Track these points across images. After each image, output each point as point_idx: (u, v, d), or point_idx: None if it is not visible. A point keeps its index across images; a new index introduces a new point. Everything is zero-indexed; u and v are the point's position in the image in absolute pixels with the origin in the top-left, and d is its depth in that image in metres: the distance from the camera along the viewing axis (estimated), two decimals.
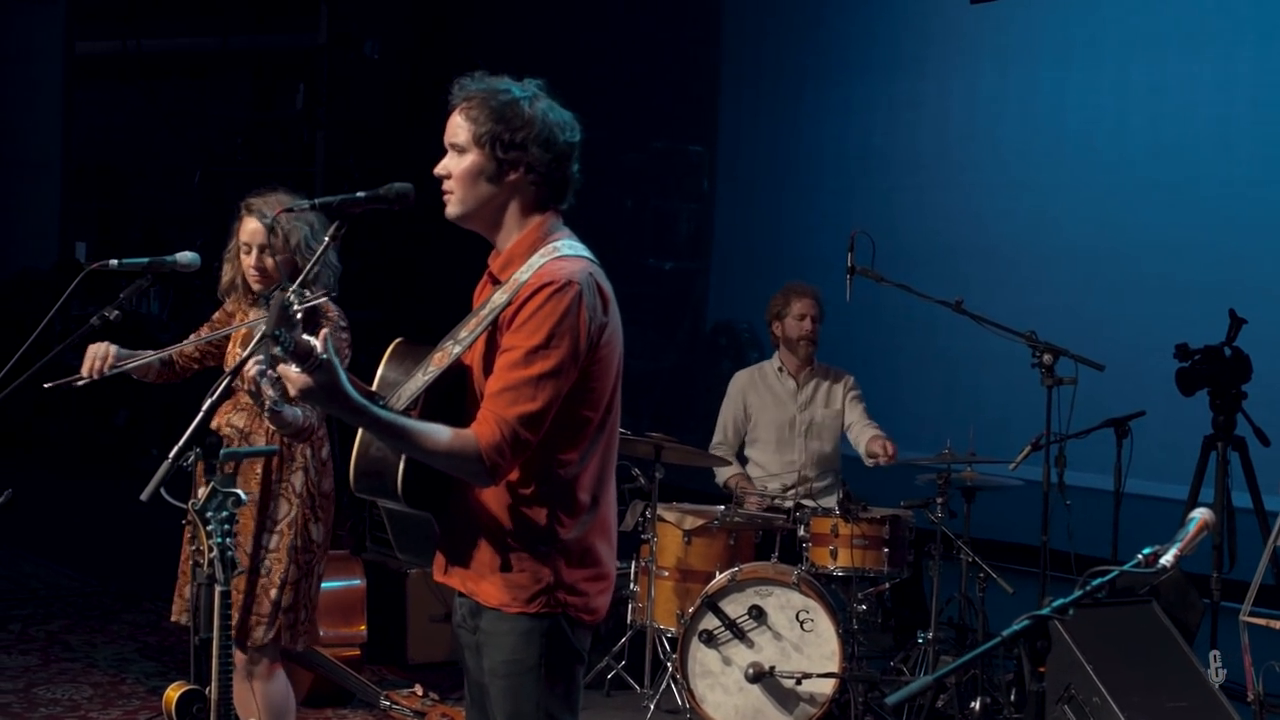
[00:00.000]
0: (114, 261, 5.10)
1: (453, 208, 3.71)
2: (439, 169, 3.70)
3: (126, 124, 18.83)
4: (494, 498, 3.65)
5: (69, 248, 17.36)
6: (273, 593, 5.32)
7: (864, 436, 7.74)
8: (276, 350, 3.27)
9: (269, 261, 5.37)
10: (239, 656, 5.31)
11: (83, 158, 18.44)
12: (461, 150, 3.67)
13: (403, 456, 3.57)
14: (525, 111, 3.65)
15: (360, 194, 3.66)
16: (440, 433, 3.49)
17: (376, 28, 14.91)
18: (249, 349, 3.47)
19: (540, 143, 3.66)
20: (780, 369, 7.96)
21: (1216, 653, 5.96)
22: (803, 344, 7.86)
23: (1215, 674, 5.89)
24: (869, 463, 7.61)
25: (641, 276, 13.40)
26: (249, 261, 5.40)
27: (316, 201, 3.74)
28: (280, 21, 17.22)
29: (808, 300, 7.86)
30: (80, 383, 5.12)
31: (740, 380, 8.10)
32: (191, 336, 5.59)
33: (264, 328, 3.27)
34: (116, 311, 4.99)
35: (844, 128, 11.52)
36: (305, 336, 3.29)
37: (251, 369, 4.57)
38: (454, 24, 14.80)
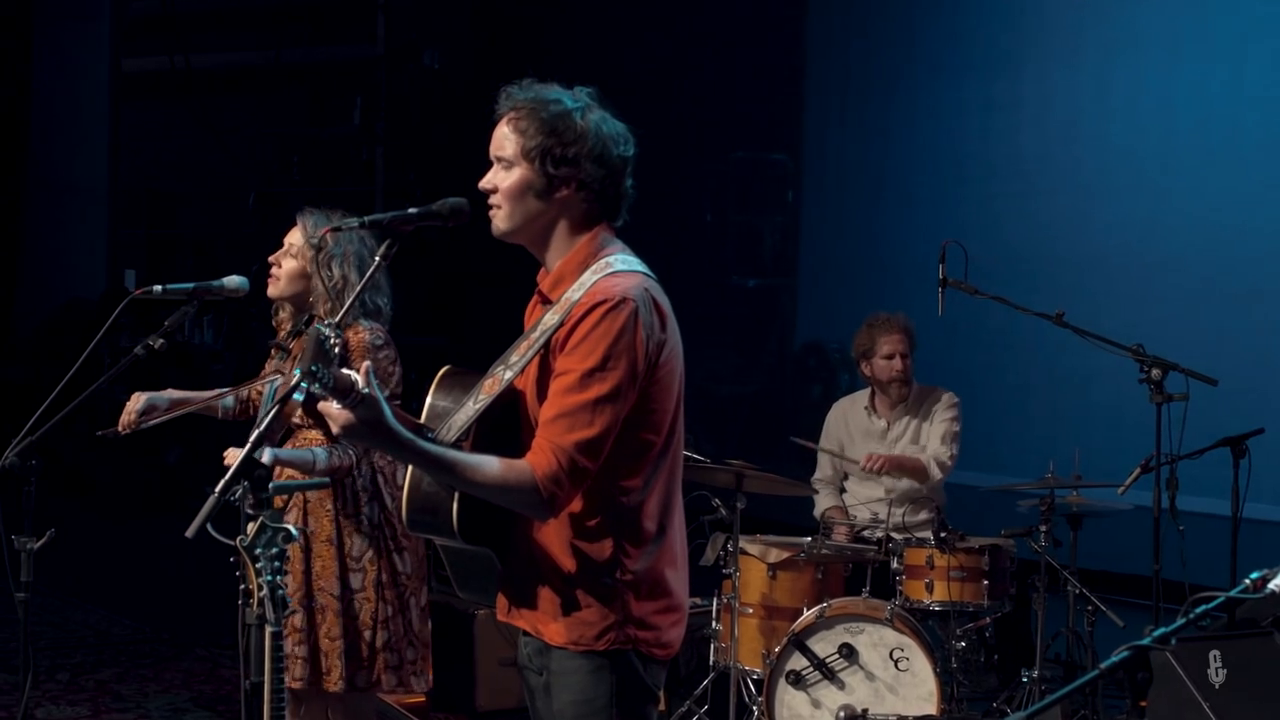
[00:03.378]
0: (158, 288, 5.16)
1: (499, 224, 3.72)
2: (484, 183, 3.72)
3: (176, 145, 19.01)
4: (555, 531, 3.67)
5: (118, 276, 17.52)
6: (367, 634, 5.38)
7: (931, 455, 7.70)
8: (315, 388, 3.31)
9: (288, 265, 5.47)
10: (334, 706, 5.40)
11: (131, 181, 18.64)
12: (509, 164, 3.68)
13: (456, 491, 3.59)
14: (578, 124, 3.65)
15: (412, 210, 3.68)
16: (492, 465, 3.51)
17: (436, 36, 15.02)
18: (283, 388, 3.53)
19: (594, 158, 3.65)
20: (869, 407, 7.91)
21: (1216, 652, 5.94)
22: (894, 385, 7.81)
23: (1216, 674, 5.87)
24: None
25: (724, 295, 13.42)
26: (271, 258, 5.51)
27: (366, 219, 3.75)
28: (335, 33, 17.37)
29: (895, 337, 7.73)
30: (114, 435, 5.29)
31: (835, 412, 8.06)
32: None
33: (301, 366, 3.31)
34: (161, 340, 5.05)
35: (937, 132, 11.51)
36: (345, 371, 3.34)
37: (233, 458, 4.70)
38: (518, 30, 14.86)
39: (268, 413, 3.77)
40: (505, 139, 3.69)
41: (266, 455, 5.01)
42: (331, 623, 5.36)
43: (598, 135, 3.66)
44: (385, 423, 3.40)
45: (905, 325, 7.76)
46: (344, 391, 3.34)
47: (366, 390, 3.35)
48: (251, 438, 3.69)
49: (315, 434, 5.38)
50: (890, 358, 7.72)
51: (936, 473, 7.60)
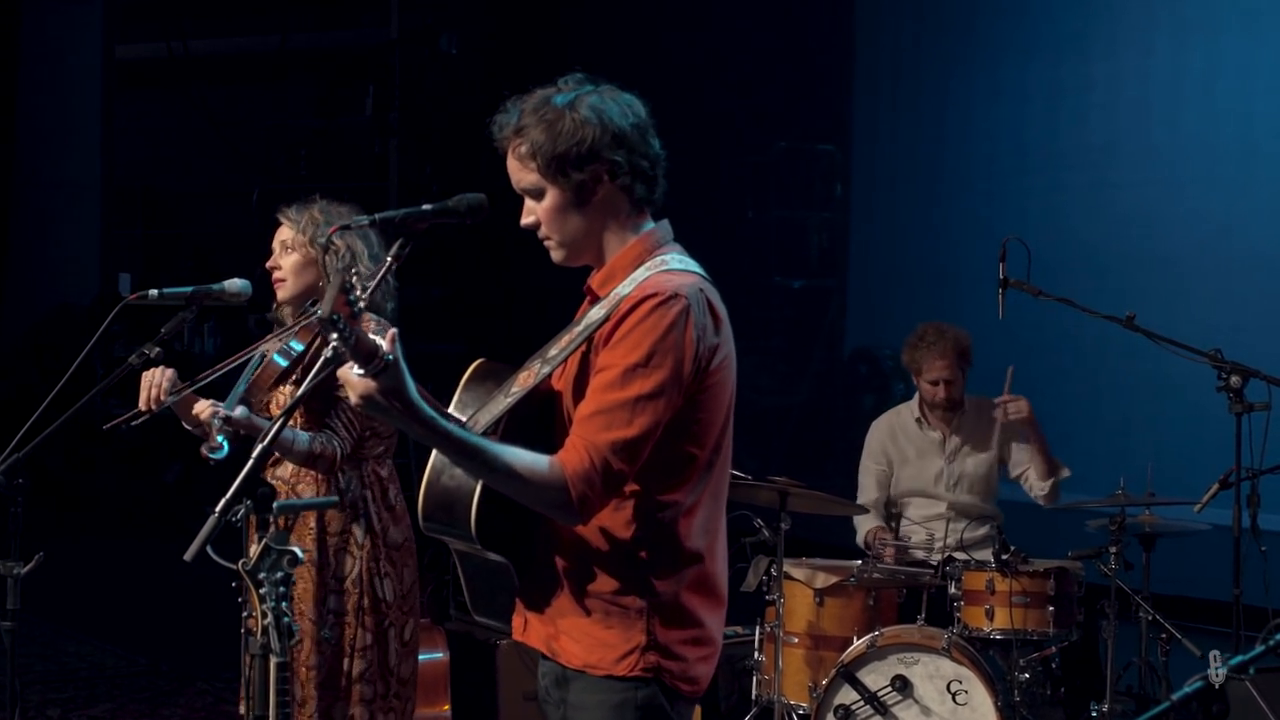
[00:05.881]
0: (154, 292, 5.18)
1: (556, 253, 3.77)
2: (524, 220, 3.76)
3: (174, 138, 19.07)
4: (582, 541, 3.68)
5: (111, 280, 17.58)
6: (345, 662, 5.39)
7: (1034, 471, 7.69)
8: (334, 340, 3.26)
9: (288, 261, 5.46)
10: None
11: (125, 178, 18.71)
12: (537, 194, 3.72)
13: (477, 488, 3.59)
14: (575, 118, 3.66)
15: (427, 207, 3.70)
16: (521, 456, 3.50)
17: (455, 19, 15.02)
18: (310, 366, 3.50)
19: (607, 142, 3.67)
20: (920, 419, 7.91)
21: (1216, 653, 5.93)
22: (939, 412, 7.84)
23: (1216, 674, 5.87)
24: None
25: (767, 297, 13.41)
26: (270, 265, 5.49)
27: (377, 217, 3.76)
28: (345, 16, 17.43)
29: (940, 364, 7.75)
30: (140, 419, 5.19)
31: (878, 429, 8.05)
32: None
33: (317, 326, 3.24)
34: (158, 349, 5.07)
35: (997, 119, 11.49)
36: (369, 334, 3.31)
37: (206, 412, 4.65)
38: (542, 11, 14.87)
39: (280, 421, 3.73)
40: (519, 172, 3.72)
41: (238, 411, 5.02)
42: (309, 650, 5.38)
43: (600, 118, 3.67)
44: (407, 395, 3.38)
45: (956, 346, 7.73)
46: (367, 355, 3.31)
47: (391, 356, 3.33)
48: (254, 454, 3.69)
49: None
50: (935, 384, 7.74)
51: (1056, 490, 7.63)
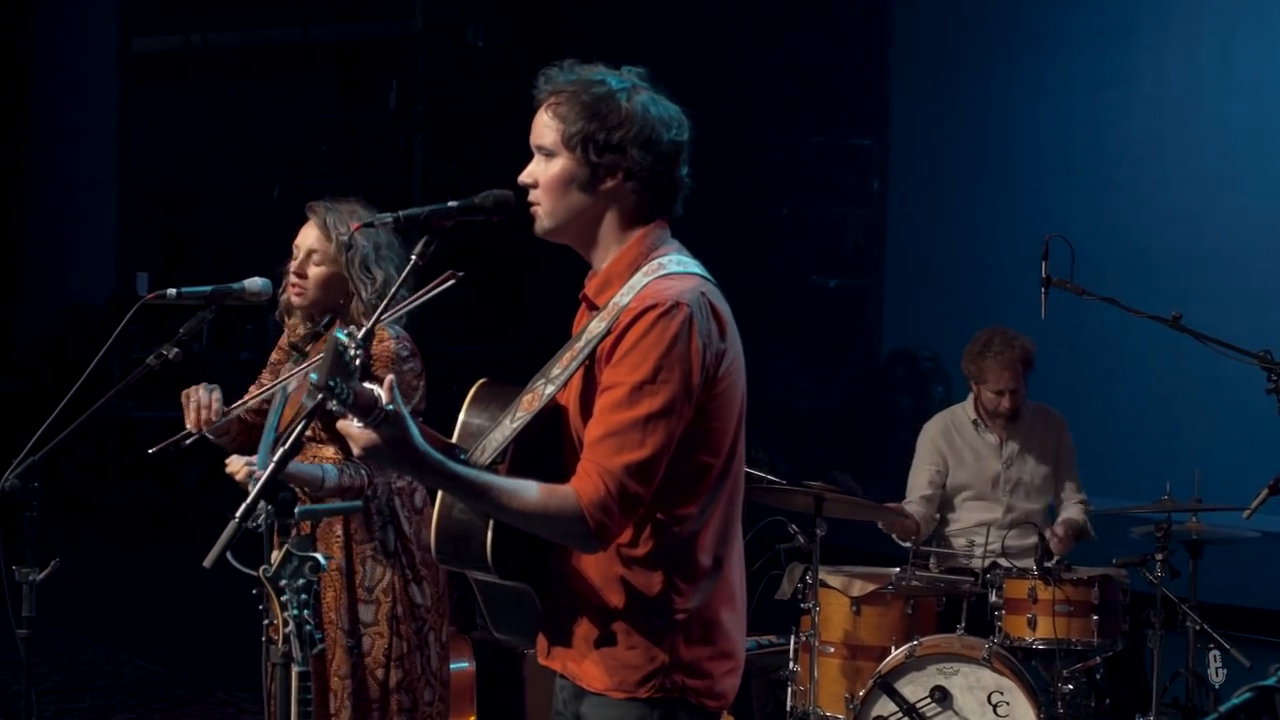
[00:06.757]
0: (172, 291, 5.19)
1: (541, 221, 3.73)
2: (524, 176, 3.73)
3: (192, 133, 19.12)
4: (598, 563, 3.65)
5: (128, 279, 17.62)
6: (379, 673, 5.40)
7: (1065, 506, 7.70)
8: (332, 405, 3.28)
9: (315, 272, 5.44)
10: None
11: (142, 173, 18.76)
12: (549, 154, 3.69)
13: (491, 519, 3.58)
14: (622, 107, 3.64)
15: (452, 203, 3.71)
16: (531, 491, 3.48)
17: (480, 9, 15.05)
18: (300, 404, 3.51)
19: (640, 143, 3.64)
20: (977, 421, 7.88)
21: (1216, 653, 5.92)
22: (999, 419, 7.81)
23: (1216, 674, 5.89)
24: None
25: (802, 297, 13.41)
26: (290, 267, 5.47)
27: (401, 214, 3.76)
28: (368, 7, 17.46)
29: (1006, 374, 7.68)
30: (189, 440, 5.18)
31: (931, 430, 8.01)
32: (252, 389, 5.62)
33: (316, 374, 3.25)
34: (176, 350, 5.08)
35: (1039, 112, 11.49)
36: (367, 385, 3.32)
37: (242, 473, 4.67)
38: (571, 2, 14.87)
39: (291, 430, 3.76)
40: (545, 127, 3.69)
41: (264, 471, 5.02)
42: (340, 659, 5.39)
43: (645, 118, 3.65)
44: (411, 443, 3.39)
45: (1023, 357, 7.67)
46: (365, 408, 3.31)
47: (390, 407, 3.33)
48: (274, 457, 3.70)
49: (329, 451, 5.39)
50: (1000, 394, 7.69)
51: (1088, 524, 7.64)
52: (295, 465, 5.19)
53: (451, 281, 3.67)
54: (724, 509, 3.72)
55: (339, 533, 5.41)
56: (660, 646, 3.64)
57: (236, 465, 5.10)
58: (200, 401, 5.16)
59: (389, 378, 3.39)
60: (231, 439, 5.52)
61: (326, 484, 5.22)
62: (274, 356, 5.75)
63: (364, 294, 5.35)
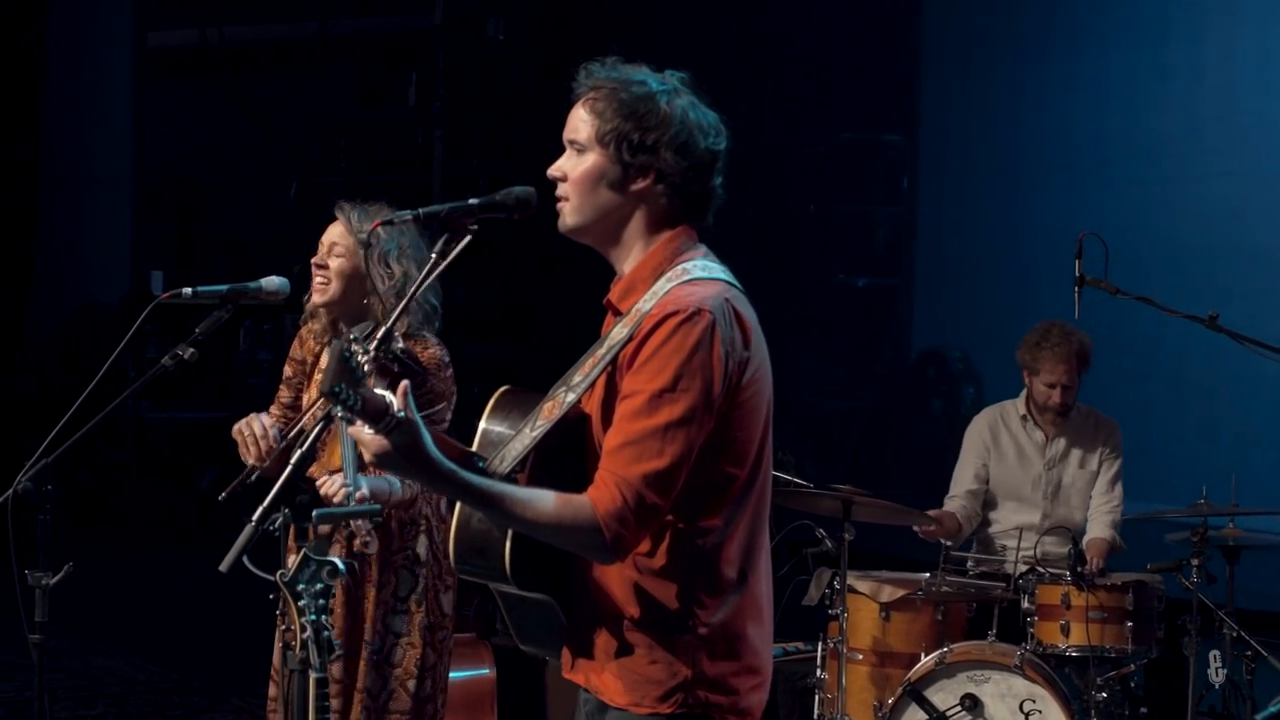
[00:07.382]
0: (187, 290, 5.18)
1: (566, 217, 3.71)
2: (553, 170, 3.71)
3: (208, 129, 19.18)
4: (620, 575, 3.64)
5: (143, 278, 17.65)
6: (411, 684, 5.41)
7: (1092, 522, 7.65)
8: (339, 411, 3.28)
9: (335, 263, 5.44)
10: None
11: (157, 171, 18.80)
12: (581, 149, 3.67)
13: (509, 530, 3.58)
14: (661, 108, 3.63)
15: (473, 201, 3.70)
16: (547, 500, 3.48)
17: (502, 2, 15.05)
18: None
19: (675, 147, 3.63)
20: (1026, 416, 7.84)
21: (1216, 653, 5.92)
22: (1049, 414, 7.77)
23: (1216, 673, 5.89)
24: None
25: (829, 296, 13.40)
26: (315, 260, 5.48)
27: (421, 211, 3.75)
28: (387, 1, 17.47)
29: (1061, 368, 7.62)
30: (255, 475, 5.16)
31: (979, 424, 7.97)
32: (273, 409, 5.67)
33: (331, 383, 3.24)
34: (192, 350, 5.08)
35: (1072, 109, 11.47)
36: (378, 391, 3.31)
37: (340, 494, 4.66)
38: None
39: (308, 435, 3.76)
40: (580, 121, 3.68)
41: (364, 488, 5.04)
42: (363, 671, 5.40)
43: (683, 122, 3.64)
44: (424, 451, 3.38)
45: (1079, 351, 7.61)
46: (376, 415, 3.31)
47: (402, 414, 3.33)
48: (293, 460, 3.70)
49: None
50: (1052, 386, 7.65)
51: (1118, 535, 7.60)
52: (369, 479, 5.16)
53: (468, 238, 3.63)
54: (750, 521, 3.70)
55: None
56: (683, 661, 3.63)
57: (333, 487, 5.06)
58: (255, 434, 5.19)
59: (403, 383, 3.38)
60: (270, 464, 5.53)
61: (394, 496, 5.23)
62: (287, 371, 5.74)
63: (381, 289, 5.34)
